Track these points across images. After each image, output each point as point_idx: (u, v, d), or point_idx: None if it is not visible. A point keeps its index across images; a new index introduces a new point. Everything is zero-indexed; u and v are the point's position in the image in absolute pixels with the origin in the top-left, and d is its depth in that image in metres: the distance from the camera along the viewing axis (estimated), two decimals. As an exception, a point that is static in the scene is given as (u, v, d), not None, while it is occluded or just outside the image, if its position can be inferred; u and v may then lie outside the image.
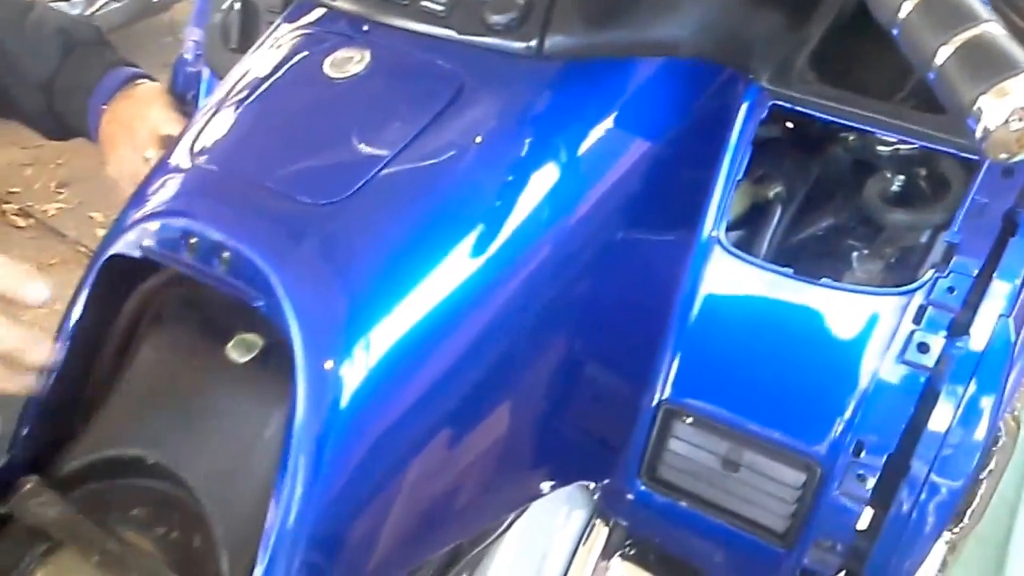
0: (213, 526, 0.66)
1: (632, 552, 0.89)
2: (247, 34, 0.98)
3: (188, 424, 0.68)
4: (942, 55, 0.54)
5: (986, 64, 0.53)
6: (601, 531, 0.90)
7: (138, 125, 1.01)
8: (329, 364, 0.62)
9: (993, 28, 0.53)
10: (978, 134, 0.53)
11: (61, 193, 2.65)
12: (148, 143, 1.00)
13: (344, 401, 0.62)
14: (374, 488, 0.66)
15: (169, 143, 0.95)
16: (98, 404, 0.72)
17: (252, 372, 0.68)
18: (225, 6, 0.98)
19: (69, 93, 1.04)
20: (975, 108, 0.52)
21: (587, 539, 0.89)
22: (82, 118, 1.04)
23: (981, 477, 1.30)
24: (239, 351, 0.69)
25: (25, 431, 0.72)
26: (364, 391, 0.63)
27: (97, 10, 3.21)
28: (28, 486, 0.69)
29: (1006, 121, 0.52)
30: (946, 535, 1.30)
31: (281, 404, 0.65)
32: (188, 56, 1.07)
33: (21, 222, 2.59)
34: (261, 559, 0.62)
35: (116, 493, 0.70)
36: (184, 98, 1.08)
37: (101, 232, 2.77)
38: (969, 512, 1.29)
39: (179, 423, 0.69)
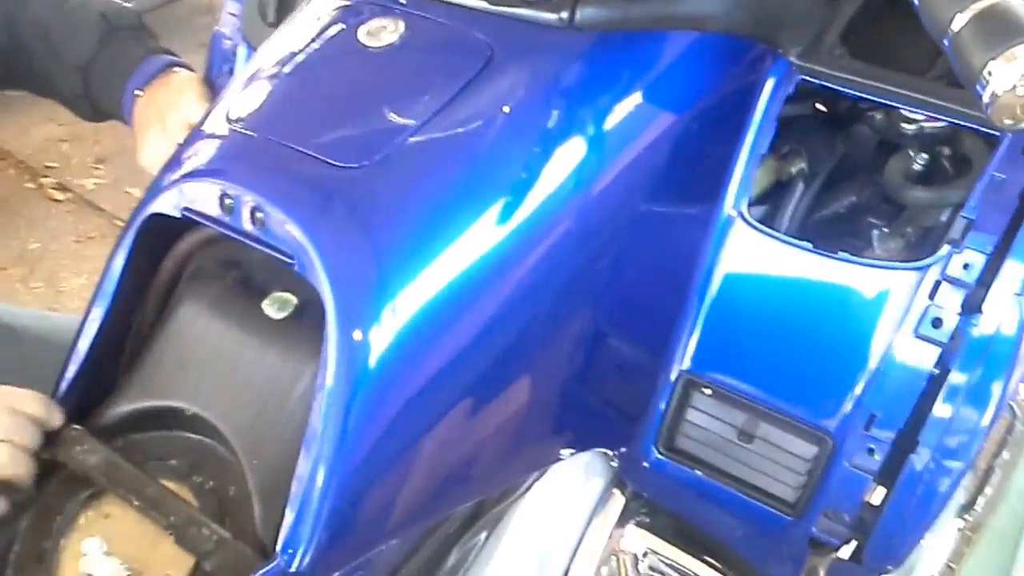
0: (248, 476, 0.68)
1: (646, 520, 0.91)
2: (284, 9, 1.01)
3: (225, 377, 0.71)
4: (958, 23, 0.56)
5: (998, 31, 0.54)
6: (617, 500, 0.91)
7: (170, 112, 1.02)
8: (358, 332, 0.64)
9: None
10: (985, 99, 0.55)
11: (98, 169, 2.69)
12: (179, 130, 1.01)
13: (372, 364, 0.64)
14: (399, 447, 0.68)
15: None
16: (137, 358, 0.75)
17: (287, 328, 0.71)
18: None
19: (106, 78, 1.06)
20: (985, 73, 0.54)
21: (603, 507, 0.91)
22: (117, 102, 1.06)
23: (995, 465, 1.30)
24: (274, 308, 0.71)
25: (68, 384, 0.75)
26: (391, 355, 0.65)
27: (136, -11, 3.25)
28: (71, 434, 0.72)
29: (1014, 87, 0.53)
30: (959, 522, 1.30)
31: (314, 359, 0.68)
32: (226, 31, 1.10)
33: (59, 196, 2.64)
34: (291, 509, 0.64)
35: (155, 443, 0.73)
36: (220, 72, 1.10)
37: (137, 207, 2.76)
38: (983, 500, 1.29)
39: (217, 376, 0.71)
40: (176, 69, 1.06)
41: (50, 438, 0.73)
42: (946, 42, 0.57)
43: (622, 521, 0.91)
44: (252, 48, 1.05)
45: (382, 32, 0.74)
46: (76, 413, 0.74)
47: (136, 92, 1.04)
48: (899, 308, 0.73)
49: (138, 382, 0.74)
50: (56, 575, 0.69)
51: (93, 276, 2.48)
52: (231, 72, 1.09)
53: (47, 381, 0.76)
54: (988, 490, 1.29)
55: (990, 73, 0.54)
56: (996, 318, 0.71)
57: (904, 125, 0.81)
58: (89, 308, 0.76)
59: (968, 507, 1.25)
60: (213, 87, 1.07)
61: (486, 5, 0.74)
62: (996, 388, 0.72)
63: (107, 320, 0.75)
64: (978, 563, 1.65)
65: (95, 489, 0.72)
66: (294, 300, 0.72)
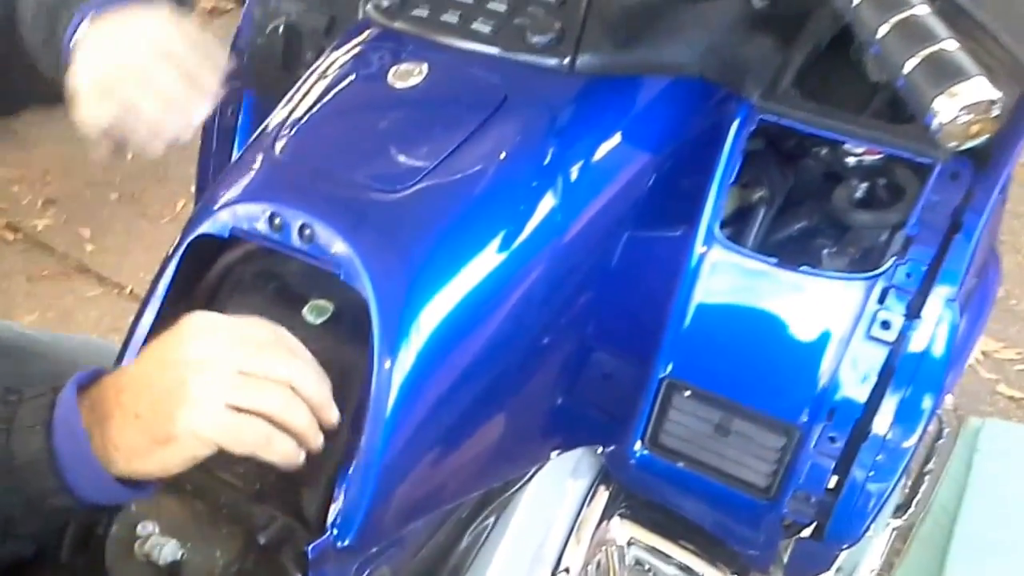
0: None
1: (628, 512, 1.00)
2: (290, 55, 1.09)
3: None
4: (909, 66, 0.68)
5: (942, 73, 0.67)
6: (602, 495, 1.01)
7: (132, 32, 0.82)
8: (399, 333, 0.73)
9: (949, 45, 0.68)
10: (934, 127, 0.67)
11: (48, 210, 2.71)
12: (144, 54, 0.80)
13: (410, 361, 0.74)
14: (431, 437, 0.77)
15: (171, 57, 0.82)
16: None
17: (324, 333, 0.79)
18: (269, 28, 1.09)
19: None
20: (932, 108, 0.67)
21: (591, 501, 1.00)
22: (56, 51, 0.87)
23: (925, 471, 1.44)
24: (313, 314, 0.80)
25: None
26: (425, 353, 0.74)
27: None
28: None
29: (955, 117, 0.66)
30: (893, 522, 1.43)
31: (350, 359, 0.77)
32: (232, 75, 1.17)
33: (10, 236, 2.65)
34: (340, 490, 0.72)
35: None
36: (227, 115, 1.17)
37: (89, 247, 2.79)
38: (915, 502, 1.42)
39: None
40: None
41: None
42: (901, 82, 0.69)
43: (607, 514, 1.00)
44: (258, 91, 1.13)
45: (409, 75, 0.84)
46: None
47: (81, 27, 0.85)
48: (853, 313, 0.83)
49: None
50: (111, 559, 0.75)
51: (45, 313, 2.51)
52: (234, 113, 1.16)
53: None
54: (918, 496, 1.43)
55: (936, 107, 0.67)
56: (933, 321, 0.82)
57: (846, 159, 0.93)
58: (135, 322, 0.83)
59: (904, 508, 1.38)
60: (218, 130, 1.15)
61: (499, 52, 0.85)
62: (935, 380, 0.83)
63: (153, 329, 0.82)
64: (908, 570, 1.79)
65: None
66: (330, 307, 0.80)
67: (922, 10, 0.70)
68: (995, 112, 0.67)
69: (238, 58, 1.15)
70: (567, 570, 0.98)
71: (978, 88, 0.66)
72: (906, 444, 0.84)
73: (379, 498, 0.73)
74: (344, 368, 0.77)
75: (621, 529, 0.99)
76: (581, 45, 0.84)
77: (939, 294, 0.83)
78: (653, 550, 0.98)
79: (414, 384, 0.74)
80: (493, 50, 0.85)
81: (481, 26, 0.86)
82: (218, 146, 1.15)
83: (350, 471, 0.72)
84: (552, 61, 0.84)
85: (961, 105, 0.66)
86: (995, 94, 0.66)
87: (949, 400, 1.38)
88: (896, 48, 0.69)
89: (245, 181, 0.81)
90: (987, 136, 0.68)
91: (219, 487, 0.75)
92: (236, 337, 0.70)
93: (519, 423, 0.88)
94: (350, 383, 0.76)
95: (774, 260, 0.87)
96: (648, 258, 0.91)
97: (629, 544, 0.98)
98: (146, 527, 0.75)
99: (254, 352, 0.70)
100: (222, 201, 0.81)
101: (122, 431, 0.68)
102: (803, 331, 0.86)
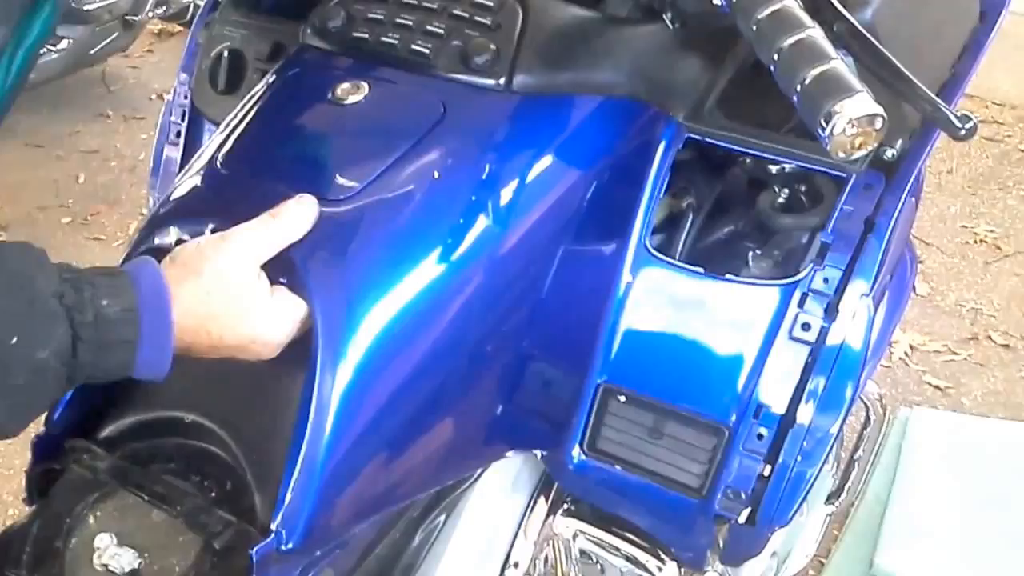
0: (247, 468, 0.79)
1: (573, 508, 1.04)
2: (234, 79, 1.11)
3: (222, 387, 0.82)
4: (803, 83, 0.73)
5: (831, 90, 0.72)
6: (548, 493, 1.05)
7: None
8: (341, 341, 0.76)
9: (838, 65, 0.73)
10: (824, 138, 0.72)
11: None
12: None
13: (352, 369, 0.77)
14: (374, 442, 0.81)
15: None
16: None
17: None
18: (214, 53, 1.12)
19: None
20: (822, 120, 0.72)
21: (537, 497, 1.05)
22: None
23: (854, 458, 1.51)
24: (264, 328, 0.82)
25: (66, 403, 0.84)
26: (367, 361, 0.78)
27: (36, 60, 3.22)
28: (76, 446, 0.81)
29: (843, 129, 0.71)
30: (828, 508, 1.50)
31: (299, 371, 0.80)
32: (177, 96, 1.18)
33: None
34: (282, 493, 0.75)
35: (154, 450, 0.83)
36: (170, 137, 1.18)
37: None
38: (846, 488, 1.49)
39: (214, 387, 0.82)
40: None
41: (53, 451, 0.81)
42: (795, 98, 0.74)
43: (553, 509, 1.04)
44: (202, 113, 1.15)
45: (350, 93, 0.87)
46: (77, 429, 0.83)
47: None
48: (776, 317, 0.88)
49: (138, 396, 0.84)
50: (70, 570, 0.77)
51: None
52: (179, 136, 1.17)
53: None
54: (849, 484, 1.50)
55: (825, 121, 0.72)
56: (849, 315, 0.87)
57: (769, 167, 0.98)
58: None
59: (836, 495, 1.45)
60: (166, 152, 1.16)
61: (438, 72, 0.89)
62: (853, 369, 0.88)
63: None
64: (844, 557, 1.88)
65: (101, 492, 0.80)
66: None
67: (815, 33, 0.75)
68: (878, 125, 0.72)
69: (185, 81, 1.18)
70: (516, 564, 1.02)
71: (861, 104, 0.71)
72: (831, 430, 0.89)
73: (322, 502, 0.76)
74: (287, 376, 0.80)
75: (566, 523, 1.03)
76: (516, 65, 0.88)
77: (854, 290, 0.88)
78: (598, 542, 1.02)
79: (355, 393, 0.77)
80: (432, 70, 0.89)
81: (420, 47, 0.90)
82: (166, 167, 1.17)
83: (293, 476, 0.75)
84: (489, 81, 0.89)
85: (847, 119, 0.71)
86: (876, 108, 0.71)
87: (874, 389, 1.45)
88: (790, 67, 0.75)
89: (190, 197, 0.84)
90: (873, 147, 0.73)
91: (176, 495, 0.78)
92: None
93: (460, 430, 0.91)
94: (293, 391, 0.79)
95: (701, 270, 0.91)
96: (583, 269, 0.95)
97: (575, 537, 1.02)
98: (103, 539, 0.78)
99: None
100: (168, 215, 0.83)
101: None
102: (729, 335, 0.90)
